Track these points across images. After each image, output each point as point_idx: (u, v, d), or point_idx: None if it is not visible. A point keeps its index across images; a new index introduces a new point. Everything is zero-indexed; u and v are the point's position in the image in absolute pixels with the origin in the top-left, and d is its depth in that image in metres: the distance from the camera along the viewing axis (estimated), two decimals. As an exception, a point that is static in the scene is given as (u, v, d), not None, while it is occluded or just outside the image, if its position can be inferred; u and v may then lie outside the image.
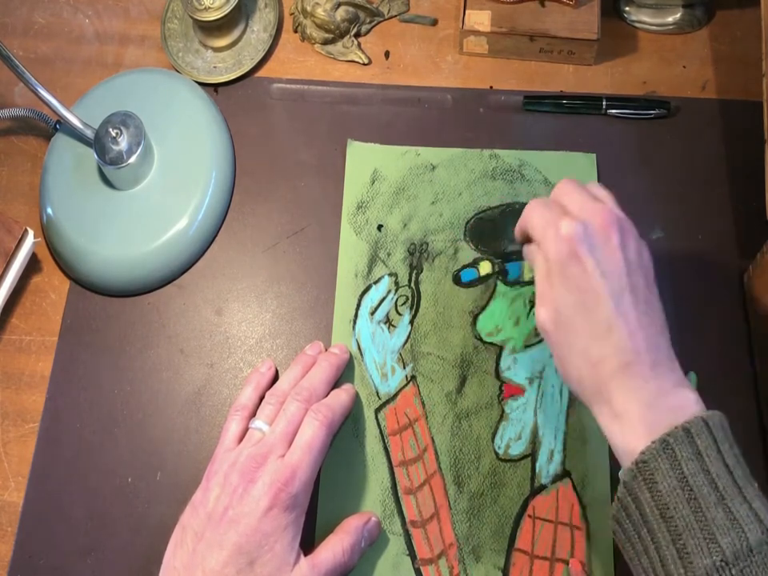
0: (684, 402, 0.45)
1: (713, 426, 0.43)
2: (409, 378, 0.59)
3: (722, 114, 0.66)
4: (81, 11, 0.74)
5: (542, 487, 0.56)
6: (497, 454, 0.57)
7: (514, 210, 0.63)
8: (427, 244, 0.63)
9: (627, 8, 0.69)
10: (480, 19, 0.67)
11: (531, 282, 0.61)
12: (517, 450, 0.57)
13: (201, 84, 0.69)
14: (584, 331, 0.47)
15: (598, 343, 0.47)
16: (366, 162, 0.66)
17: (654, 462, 0.43)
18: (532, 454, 0.57)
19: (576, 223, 0.47)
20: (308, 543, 0.53)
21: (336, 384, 0.58)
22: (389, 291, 0.62)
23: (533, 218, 0.51)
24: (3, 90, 0.71)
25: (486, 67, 0.69)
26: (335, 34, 0.70)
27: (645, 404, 0.45)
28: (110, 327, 0.62)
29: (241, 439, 0.54)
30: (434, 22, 0.71)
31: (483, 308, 0.61)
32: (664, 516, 0.42)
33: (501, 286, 0.61)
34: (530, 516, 0.55)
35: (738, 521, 0.41)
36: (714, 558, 0.40)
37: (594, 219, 0.48)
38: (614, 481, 0.55)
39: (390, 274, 0.62)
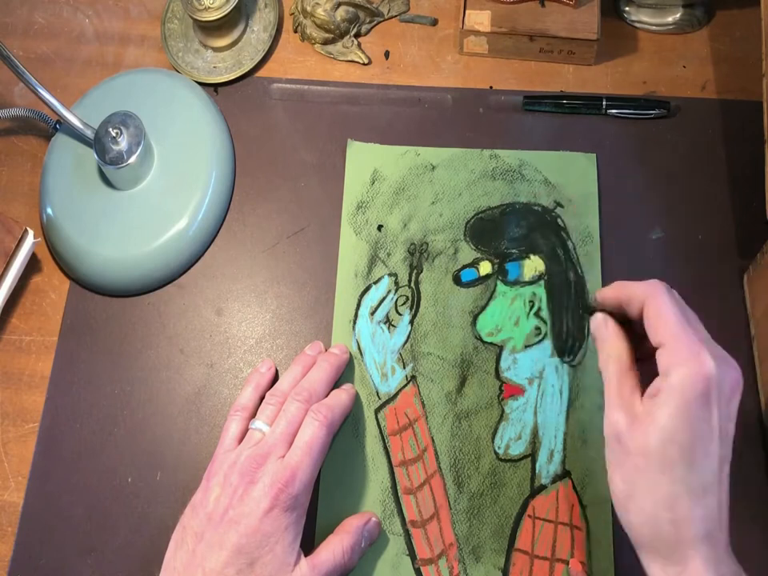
0: None
1: None
2: (409, 378, 0.59)
3: (722, 114, 0.66)
4: (81, 11, 0.74)
5: (542, 487, 0.56)
6: (497, 454, 0.57)
7: (514, 210, 0.63)
8: (427, 244, 0.63)
9: (627, 8, 0.69)
10: (480, 19, 0.67)
11: (531, 282, 0.61)
12: (517, 450, 0.57)
13: (201, 84, 0.69)
14: (678, 479, 0.42)
15: (690, 501, 0.42)
16: (366, 162, 0.66)
17: None
18: (532, 454, 0.57)
19: (719, 367, 0.42)
20: (308, 543, 0.53)
21: (336, 384, 0.58)
22: (389, 291, 0.62)
23: (665, 313, 0.44)
24: (3, 90, 0.71)
25: (486, 67, 0.69)
26: (335, 34, 0.70)
27: None
28: (109, 327, 0.62)
29: (241, 440, 0.54)
30: (434, 22, 0.71)
31: (483, 308, 0.61)
32: None
33: (501, 286, 0.61)
34: (529, 516, 0.55)
35: None
36: None
37: (729, 373, 0.44)
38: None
39: (390, 274, 0.62)
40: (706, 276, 0.61)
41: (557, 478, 0.56)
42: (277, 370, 0.60)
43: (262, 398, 0.56)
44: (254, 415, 0.55)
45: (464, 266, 0.62)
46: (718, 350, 0.44)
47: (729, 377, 0.43)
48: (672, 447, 0.42)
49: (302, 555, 0.50)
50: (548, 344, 0.59)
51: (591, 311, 0.48)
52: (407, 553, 0.55)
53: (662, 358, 0.43)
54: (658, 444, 0.42)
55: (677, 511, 0.42)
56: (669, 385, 0.42)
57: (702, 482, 0.42)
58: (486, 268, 0.62)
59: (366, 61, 0.70)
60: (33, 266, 0.65)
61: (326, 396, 0.56)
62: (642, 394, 0.44)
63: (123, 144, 0.62)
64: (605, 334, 0.47)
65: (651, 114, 0.66)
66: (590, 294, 0.51)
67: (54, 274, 0.65)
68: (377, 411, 0.58)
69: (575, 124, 0.66)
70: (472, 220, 0.63)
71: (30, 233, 0.63)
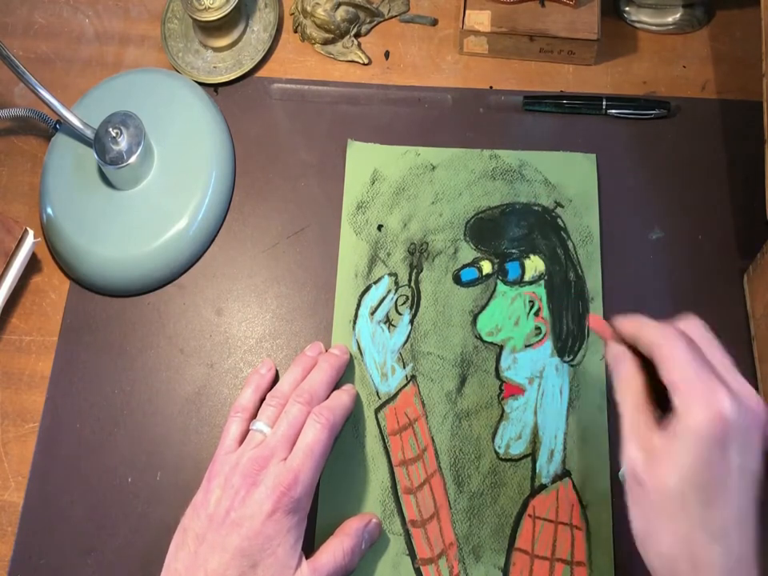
0: None
1: None
2: (409, 378, 0.59)
3: (722, 114, 0.66)
4: (81, 11, 0.74)
5: (542, 487, 0.56)
6: (497, 453, 0.57)
7: (514, 210, 0.63)
8: (427, 244, 0.63)
9: (627, 8, 0.69)
10: (480, 19, 0.67)
11: (531, 282, 0.61)
12: (517, 449, 0.57)
13: (201, 84, 0.69)
14: (695, 520, 0.42)
15: (708, 542, 0.41)
16: (366, 162, 0.66)
17: None
18: (532, 454, 0.57)
19: (736, 407, 0.42)
20: (308, 544, 0.53)
21: (336, 384, 0.58)
22: (389, 291, 0.62)
23: (677, 356, 0.44)
24: (3, 90, 0.71)
25: (486, 67, 0.69)
26: (335, 34, 0.70)
27: None
28: (110, 327, 0.62)
29: (241, 441, 0.53)
30: (434, 22, 0.71)
31: (483, 307, 0.61)
32: None
33: (501, 286, 0.61)
34: (529, 516, 0.55)
35: None
36: None
37: (749, 410, 0.42)
38: (614, 481, 0.55)
39: (390, 274, 0.62)
40: (706, 276, 0.61)
41: (557, 478, 0.56)
42: (277, 371, 0.60)
43: (262, 400, 0.56)
44: (254, 416, 0.55)
45: (464, 266, 0.62)
46: (737, 383, 0.43)
47: (749, 414, 0.42)
48: (689, 488, 0.41)
49: (304, 558, 0.50)
50: (548, 344, 0.59)
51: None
52: (407, 552, 0.55)
53: (677, 400, 0.43)
54: (675, 485, 0.42)
55: (695, 552, 0.41)
56: (685, 426, 0.42)
57: (721, 522, 0.41)
58: (486, 267, 0.62)
59: (365, 61, 0.70)
60: (33, 266, 0.65)
61: (327, 397, 0.56)
62: (659, 426, 0.43)
63: (123, 144, 0.62)
64: (622, 367, 0.47)
65: (651, 114, 0.66)
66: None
67: (54, 273, 0.65)
68: (377, 411, 0.58)
69: (575, 124, 0.66)
70: (472, 220, 0.63)
71: (30, 233, 0.63)
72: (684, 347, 0.44)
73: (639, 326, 0.47)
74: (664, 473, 0.42)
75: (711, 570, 0.41)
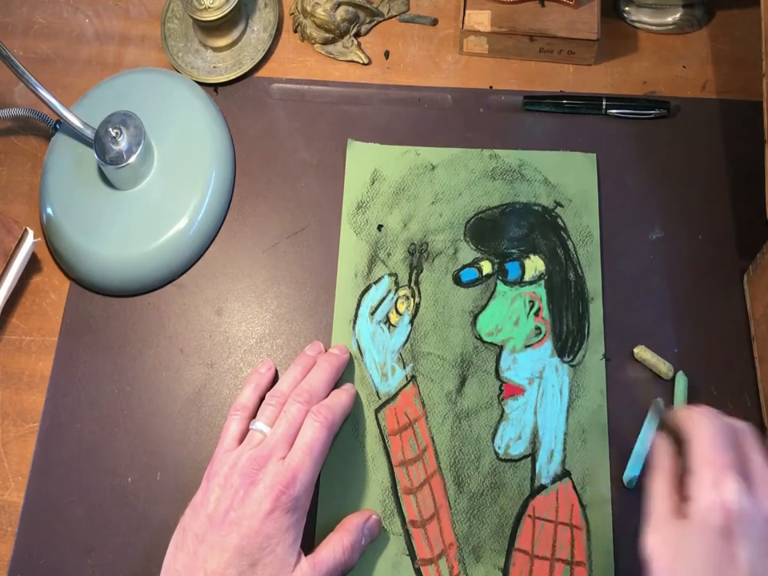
0: None
1: None
2: (409, 378, 0.59)
3: (722, 114, 0.66)
4: (81, 11, 0.74)
5: (542, 487, 0.56)
6: (497, 453, 0.57)
7: (514, 210, 0.63)
8: (427, 244, 0.63)
9: (627, 8, 0.69)
10: (480, 19, 0.67)
11: (531, 282, 0.61)
12: (517, 450, 0.57)
13: (201, 84, 0.69)
14: None
15: None
16: (366, 161, 0.66)
17: None
18: (532, 454, 0.57)
19: (745, 498, 0.40)
20: (308, 543, 0.53)
21: (336, 384, 0.58)
22: (389, 291, 0.62)
23: (701, 436, 0.44)
24: (3, 90, 0.71)
25: (486, 67, 0.69)
26: (335, 34, 0.70)
27: None
28: (110, 327, 0.62)
29: (241, 439, 0.54)
30: (434, 22, 0.71)
31: (483, 308, 0.61)
32: None
33: (501, 286, 0.61)
34: (529, 516, 0.55)
35: None
36: None
37: (764, 504, 0.41)
38: (614, 481, 0.55)
39: (390, 274, 0.62)
40: (706, 276, 0.61)
41: (557, 478, 0.56)
42: (276, 370, 0.60)
43: (261, 399, 0.56)
44: (253, 415, 0.55)
45: (464, 266, 0.62)
46: (758, 475, 0.42)
47: (763, 509, 0.41)
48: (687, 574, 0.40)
49: (303, 555, 0.50)
50: (548, 344, 0.59)
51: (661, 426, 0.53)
52: (407, 553, 0.55)
53: (691, 484, 0.43)
54: (677, 568, 0.41)
55: None
56: (694, 509, 0.41)
57: None
58: (486, 268, 0.62)
59: (365, 61, 0.70)
60: (33, 265, 0.65)
61: (327, 396, 0.56)
62: (682, 513, 0.43)
63: (123, 144, 0.62)
64: (658, 453, 0.48)
65: (651, 114, 0.66)
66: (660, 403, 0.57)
67: (54, 273, 0.65)
68: (377, 411, 0.58)
69: (575, 124, 0.66)
70: (472, 220, 0.63)
71: (30, 233, 0.63)
72: (713, 429, 0.43)
73: (683, 414, 0.47)
74: (676, 567, 0.41)
75: None
